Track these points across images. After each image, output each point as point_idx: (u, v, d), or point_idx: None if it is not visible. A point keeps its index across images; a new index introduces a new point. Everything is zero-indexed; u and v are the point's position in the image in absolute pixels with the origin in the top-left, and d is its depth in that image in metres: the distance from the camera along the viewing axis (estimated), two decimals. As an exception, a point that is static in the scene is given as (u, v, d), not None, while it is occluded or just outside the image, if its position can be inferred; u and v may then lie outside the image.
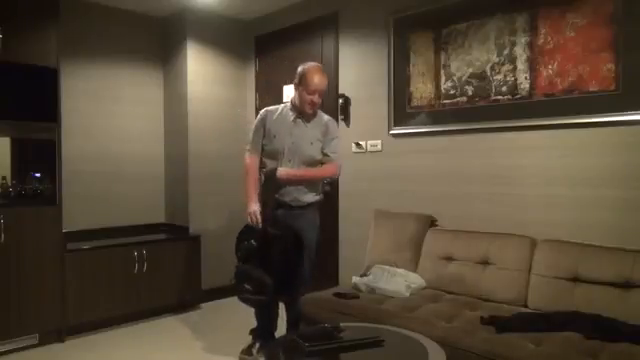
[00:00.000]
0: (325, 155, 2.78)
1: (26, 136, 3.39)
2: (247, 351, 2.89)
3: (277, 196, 2.73)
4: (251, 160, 2.86)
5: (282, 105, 2.87)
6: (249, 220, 2.75)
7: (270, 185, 2.74)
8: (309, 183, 2.75)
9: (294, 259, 2.72)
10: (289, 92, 4.02)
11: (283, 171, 2.70)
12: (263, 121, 2.83)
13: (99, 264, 3.42)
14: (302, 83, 2.70)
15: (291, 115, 2.78)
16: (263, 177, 2.80)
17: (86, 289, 3.35)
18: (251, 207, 2.76)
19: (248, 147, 2.88)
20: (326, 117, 2.86)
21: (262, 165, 2.85)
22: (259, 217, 2.72)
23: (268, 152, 2.80)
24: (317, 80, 2.69)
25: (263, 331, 2.90)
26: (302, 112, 2.76)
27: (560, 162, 2.57)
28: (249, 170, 2.84)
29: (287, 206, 2.74)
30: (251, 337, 2.96)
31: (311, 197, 2.79)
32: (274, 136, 2.77)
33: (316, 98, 2.70)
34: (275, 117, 2.81)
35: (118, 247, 3.57)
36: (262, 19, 4.29)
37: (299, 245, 2.70)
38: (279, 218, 2.73)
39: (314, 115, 2.80)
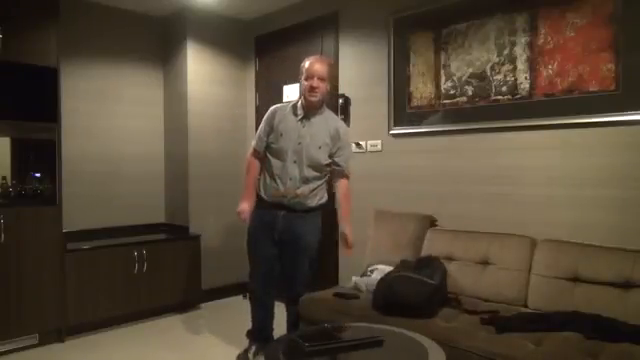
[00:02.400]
0: (335, 164, 2.74)
1: (26, 136, 3.39)
2: (243, 356, 2.85)
3: (281, 199, 2.68)
4: (253, 157, 2.83)
5: (291, 103, 2.79)
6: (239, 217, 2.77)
7: (270, 188, 2.72)
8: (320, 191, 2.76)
9: (295, 262, 2.72)
10: (289, 92, 4.02)
11: (348, 230, 2.73)
12: (271, 119, 2.76)
13: (99, 264, 3.42)
14: (301, 72, 2.68)
15: (299, 114, 2.71)
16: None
17: (86, 289, 3.35)
18: (240, 205, 2.76)
19: (253, 143, 2.84)
20: (339, 123, 2.81)
21: (266, 164, 2.81)
22: (246, 216, 2.74)
23: (274, 151, 2.72)
24: (311, 64, 2.65)
25: (259, 333, 2.87)
26: (307, 104, 2.68)
27: (560, 162, 2.57)
28: (249, 168, 2.83)
29: (289, 209, 2.69)
30: (248, 339, 2.93)
31: (316, 201, 2.74)
32: (281, 134, 2.69)
33: (315, 82, 2.61)
34: (284, 115, 2.74)
35: (118, 247, 3.57)
36: (262, 19, 4.29)
37: (300, 249, 2.70)
38: (280, 221, 2.70)
39: (319, 108, 2.71)
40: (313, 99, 2.65)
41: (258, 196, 2.79)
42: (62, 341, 3.23)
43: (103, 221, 3.95)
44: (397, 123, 3.29)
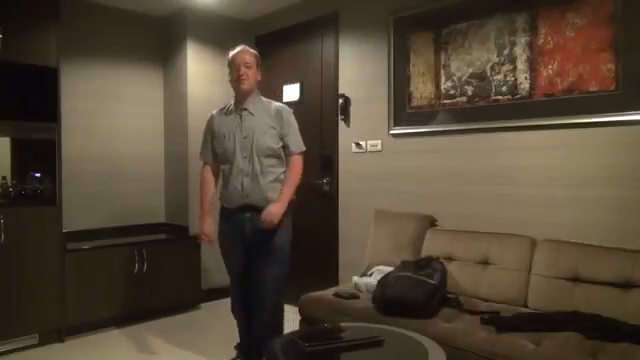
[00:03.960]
0: (285, 146, 2.56)
1: (26, 136, 3.39)
2: None
3: (245, 200, 2.51)
4: (203, 170, 2.72)
5: (228, 104, 2.68)
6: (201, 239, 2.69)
7: (231, 195, 2.55)
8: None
9: (264, 266, 2.53)
10: (289, 92, 4.03)
11: (275, 208, 2.46)
12: (210, 125, 2.68)
13: (99, 264, 3.42)
14: (228, 68, 2.60)
15: (235, 111, 2.59)
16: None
17: (86, 289, 3.35)
18: (201, 228, 2.65)
19: (200, 157, 2.74)
20: (277, 104, 2.62)
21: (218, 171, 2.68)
22: (210, 237, 2.66)
23: (222, 156, 2.58)
24: (233, 55, 2.57)
25: (245, 346, 2.72)
26: (240, 95, 2.57)
27: (560, 162, 2.57)
28: (202, 183, 2.71)
29: (253, 209, 2.51)
30: (236, 351, 2.84)
31: (278, 194, 2.52)
32: (224, 136, 2.57)
33: (242, 70, 2.52)
34: (221, 117, 2.64)
35: (118, 247, 3.57)
36: (262, 19, 4.29)
37: (268, 251, 2.52)
38: (247, 224, 2.52)
39: (252, 96, 2.58)
40: (243, 86, 2.53)
41: (222, 207, 2.65)
42: (62, 341, 3.23)
43: (103, 221, 3.95)
44: (397, 123, 3.29)
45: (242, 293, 2.65)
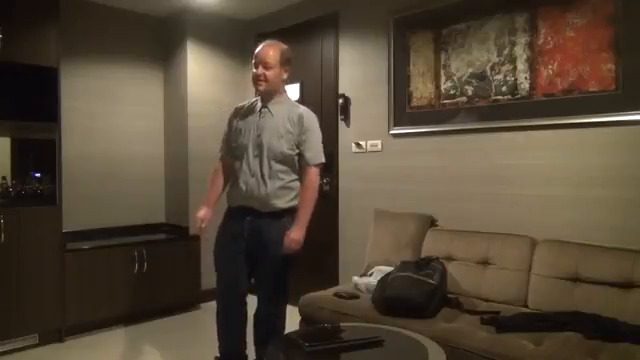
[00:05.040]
0: (301, 155, 2.40)
1: (26, 136, 3.39)
2: None
3: (247, 201, 2.40)
4: (220, 162, 2.61)
5: (255, 99, 2.55)
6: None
7: (234, 192, 2.46)
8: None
9: (261, 275, 2.44)
10: (289, 92, 4.01)
11: (296, 234, 2.32)
12: (231, 118, 2.56)
13: (99, 264, 3.42)
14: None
15: (258, 107, 2.45)
16: None
17: (86, 289, 3.35)
18: (199, 211, 2.49)
19: (219, 150, 2.63)
20: (303, 109, 2.45)
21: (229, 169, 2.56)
22: (204, 225, 2.47)
23: (235, 150, 2.46)
24: (258, 50, 2.39)
25: (226, 357, 2.55)
26: (260, 94, 2.46)
27: (560, 162, 2.57)
28: (216, 171, 2.61)
29: (255, 212, 2.39)
30: None
31: (284, 202, 2.38)
32: (240, 131, 2.45)
33: (260, 70, 2.36)
34: (243, 112, 2.51)
35: (118, 247, 3.57)
36: (262, 19, 4.29)
37: (266, 259, 2.40)
38: (247, 227, 2.40)
39: (277, 96, 2.44)
40: (260, 88, 2.40)
41: (228, 205, 2.54)
42: (62, 341, 3.23)
43: (103, 221, 3.95)
44: (397, 123, 3.29)
45: (230, 298, 2.49)
